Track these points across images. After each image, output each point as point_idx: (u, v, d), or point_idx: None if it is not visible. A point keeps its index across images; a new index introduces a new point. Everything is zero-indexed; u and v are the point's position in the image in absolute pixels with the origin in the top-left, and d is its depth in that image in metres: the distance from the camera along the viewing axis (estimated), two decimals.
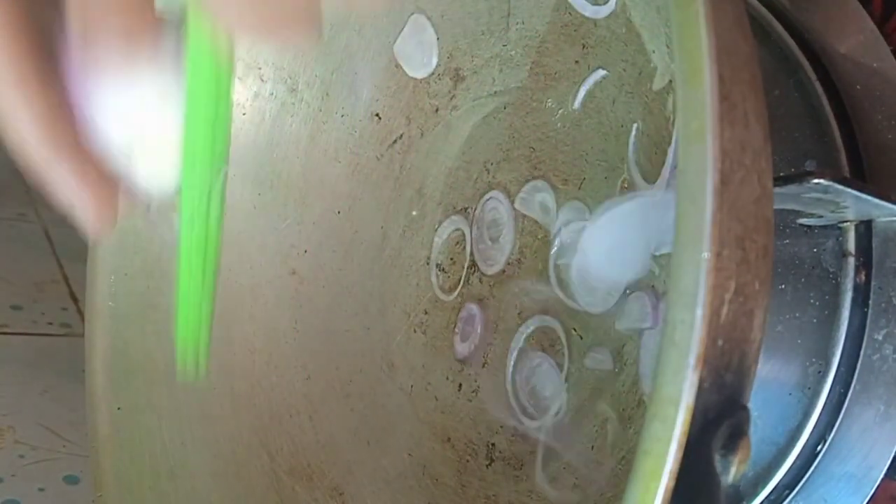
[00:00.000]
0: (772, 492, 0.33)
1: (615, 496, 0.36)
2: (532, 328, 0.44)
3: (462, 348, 0.47)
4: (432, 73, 0.48)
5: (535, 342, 0.44)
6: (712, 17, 0.20)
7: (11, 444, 0.59)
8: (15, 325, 0.73)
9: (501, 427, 0.44)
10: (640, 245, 0.36)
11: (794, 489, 0.33)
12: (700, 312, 0.19)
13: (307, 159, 0.51)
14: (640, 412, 0.37)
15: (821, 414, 0.32)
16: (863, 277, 0.32)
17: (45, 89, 0.21)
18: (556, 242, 0.43)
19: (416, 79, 0.49)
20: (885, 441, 0.32)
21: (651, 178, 0.38)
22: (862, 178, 0.33)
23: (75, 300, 0.80)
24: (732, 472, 0.20)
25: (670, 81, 0.37)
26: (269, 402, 0.49)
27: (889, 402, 0.32)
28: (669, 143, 0.37)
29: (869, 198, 0.28)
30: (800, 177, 0.27)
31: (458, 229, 0.48)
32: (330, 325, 0.51)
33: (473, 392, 0.46)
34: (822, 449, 0.32)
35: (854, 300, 0.32)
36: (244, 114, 0.50)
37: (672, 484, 0.19)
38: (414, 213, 0.50)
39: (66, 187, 0.22)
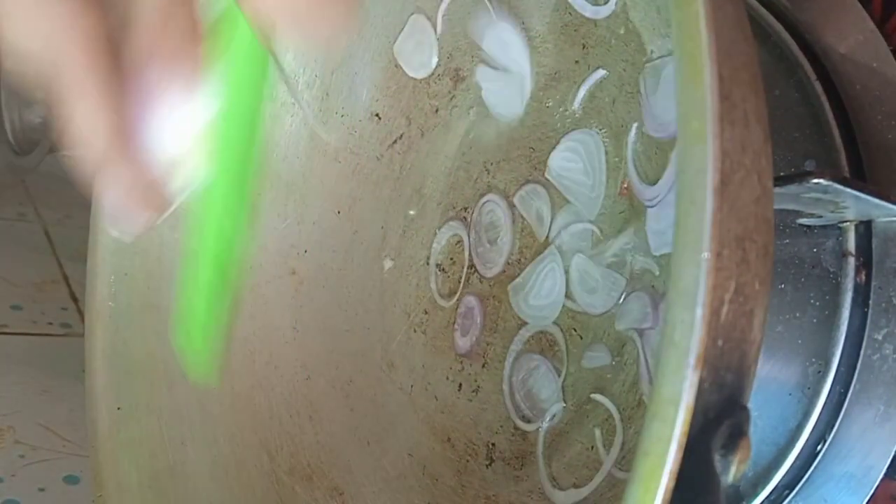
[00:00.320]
0: (772, 492, 0.33)
1: (615, 496, 0.36)
2: (532, 330, 0.44)
3: (463, 343, 0.47)
4: (432, 73, 0.48)
5: (534, 343, 0.44)
6: (712, 17, 0.20)
7: (11, 444, 0.59)
8: (15, 325, 0.73)
9: (501, 427, 0.44)
10: None
11: (794, 489, 0.33)
12: (700, 312, 0.19)
13: (307, 159, 0.51)
14: (640, 412, 0.37)
15: (821, 414, 0.32)
16: (863, 277, 0.32)
17: (114, 97, 0.24)
18: (557, 243, 0.43)
19: (416, 79, 0.49)
20: (884, 441, 0.32)
21: (651, 178, 0.38)
22: (862, 178, 0.33)
23: (75, 300, 0.80)
24: (732, 472, 0.20)
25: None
26: (269, 402, 0.49)
27: (889, 402, 0.32)
28: (669, 144, 0.37)
29: (869, 198, 0.28)
30: (800, 177, 0.27)
31: (455, 235, 0.48)
32: (330, 325, 0.51)
33: (473, 392, 0.46)
34: (822, 449, 0.32)
35: (854, 300, 0.32)
36: None
37: (672, 484, 0.19)
38: (413, 213, 0.50)
39: (118, 188, 0.25)
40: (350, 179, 0.51)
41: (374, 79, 0.50)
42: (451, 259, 0.49)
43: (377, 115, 0.51)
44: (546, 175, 0.43)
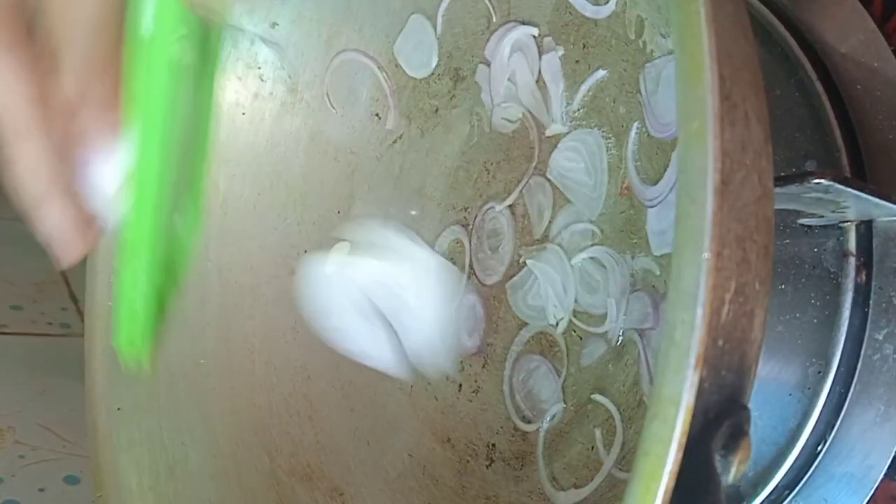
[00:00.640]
0: (772, 492, 0.33)
1: (615, 496, 0.36)
2: (532, 331, 0.44)
3: (472, 342, 0.47)
4: (432, 73, 0.48)
5: (535, 344, 0.44)
6: (712, 17, 0.20)
7: (11, 445, 0.59)
8: (15, 325, 0.73)
9: (501, 427, 0.44)
10: None
11: (794, 489, 0.33)
12: (700, 312, 0.19)
13: (307, 159, 0.51)
14: (640, 412, 0.37)
15: (821, 414, 0.32)
16: (863, 277, 0.32)
17: (52, 139, 0.27)
18: (557, 242, 0.43)
19: (416, 79, 0.49)
20: (885, 441, 0.32)
21: (651, 178, 0.38)
22: (862, 178, 0.33)
23: (75, 300, 0.80)
24: (733, 472, 0.20)
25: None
26: (269, 402, 0.49)
27: (889, 402, 0.32)
28: (670, 144, 0.37)
29: (869, 198, 0.28)
30: (800, 177, 0.27)
31: (457, 240, 0.48)
32: None
33: (474, 392, 0.46)
34: (822, 449, 0.32)
35: (854, 300, 0.32)
36: (244, 114, 0.50)
37: (672, 484, 0.19)
38: (414, 212, 0.50)
39: (53, 218, 0.28)
40: (350, 179, 0.51)
41: (374, 79, 0.50)
42: (452, 260, 0.49)
43: (377, 115, 0.51)
44: (547, 175, 0.43)
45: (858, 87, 0.34)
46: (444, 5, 0.47)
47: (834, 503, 0.33)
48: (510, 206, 0.45)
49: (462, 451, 0.45)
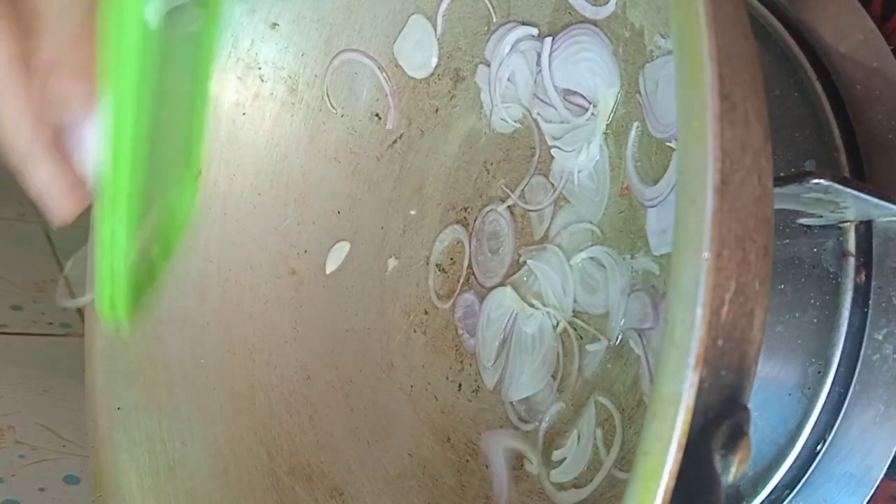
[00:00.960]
0: (772, 492, 0.33)
1: (615, 496, 0.36)
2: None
3: (472, 343, 0.47)
4: (432, 73, 0.48)
5: None
6: (712, 17, 0.20)
7: (11, 444, 0.59)
8: (15, 325, 0.73)
9: (501, 427, 0.44)
10: None
11: (794, 489, 0.33)
12: (700, 312, 0.19)
13: (307, 159, 0.51)
14: (640, 412, 0.37)
15: (820, 414, 0.32)
16: (863, 277, 0.32)
17: (33, 102, 0.28)
18: (557, 242, 0.43)
19: (416, 79, 0.49)
20: (884, 441, 0.32)
21: (651, 178, 0.38)
22: (862, 178, 0.33)
23: None
24: (732, 471, 0.20)
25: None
26: (269, 402, 0.49)
27: (889, 402, 0.32)
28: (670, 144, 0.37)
29: (869, 198, 0.28)
30: (800, 177, 0.27)
31: (457, 240, 0.48)
32: (330, 325, 0.51)
33: (473, 392, 0.46)
34: (822, 449, 0.32)
35: (854, 300, 0.32)
36: (244, 114, 0.50)
37: (672, 484, 0.19)
38: (414, 212, 0.50)
39: (42, 177, 0.29)
40: (350, 179, 0.51)
41: (374, 79, 0.50)
42: (452, 259, 0.49)
43: (377, 115, 0.51)
44: (549, 177, 0.43)
45: (858, 87, 0.34)
46: (444, 5, 0.47)
47: (834, 503, 0.33)
48: (510, 207, 0.45)
49: (462, 450, 0.45)
